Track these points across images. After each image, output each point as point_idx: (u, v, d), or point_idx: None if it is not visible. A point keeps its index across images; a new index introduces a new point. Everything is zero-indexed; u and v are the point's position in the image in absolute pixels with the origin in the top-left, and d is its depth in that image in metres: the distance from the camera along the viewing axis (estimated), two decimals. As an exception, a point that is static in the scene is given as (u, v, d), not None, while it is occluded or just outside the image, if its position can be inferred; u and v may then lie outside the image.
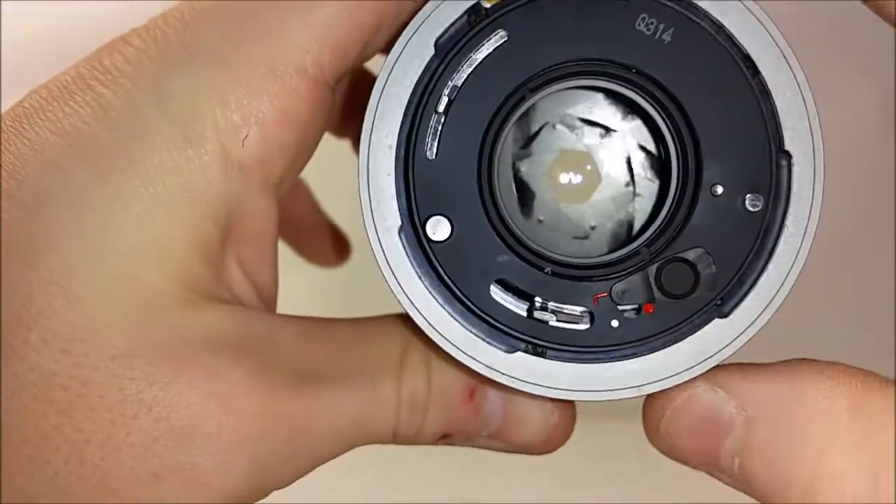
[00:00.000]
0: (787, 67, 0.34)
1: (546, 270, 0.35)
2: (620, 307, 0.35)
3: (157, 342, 0.34)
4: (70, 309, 0.33)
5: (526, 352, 0.35)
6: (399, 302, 0.35)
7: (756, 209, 0.34)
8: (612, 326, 0.35)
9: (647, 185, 0.37)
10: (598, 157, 0.37)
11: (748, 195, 0.34)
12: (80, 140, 0.34)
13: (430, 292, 0.35)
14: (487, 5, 0.35)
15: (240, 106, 0.35)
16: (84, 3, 0.64)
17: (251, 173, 0.35)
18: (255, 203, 0.36)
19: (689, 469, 0.35)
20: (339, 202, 0.52)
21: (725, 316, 0.34)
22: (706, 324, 0.35)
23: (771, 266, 0.34)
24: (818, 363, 0.33)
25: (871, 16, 0.35)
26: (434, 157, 0.35)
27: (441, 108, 0.35)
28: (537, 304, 0.35)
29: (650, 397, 0.35)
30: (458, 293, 0.35)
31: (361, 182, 0.35)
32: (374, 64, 0.38)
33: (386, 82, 0.35)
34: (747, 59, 0.34)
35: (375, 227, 0.35)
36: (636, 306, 0.35)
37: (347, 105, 0.45)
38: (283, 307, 0.39)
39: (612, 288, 0.35)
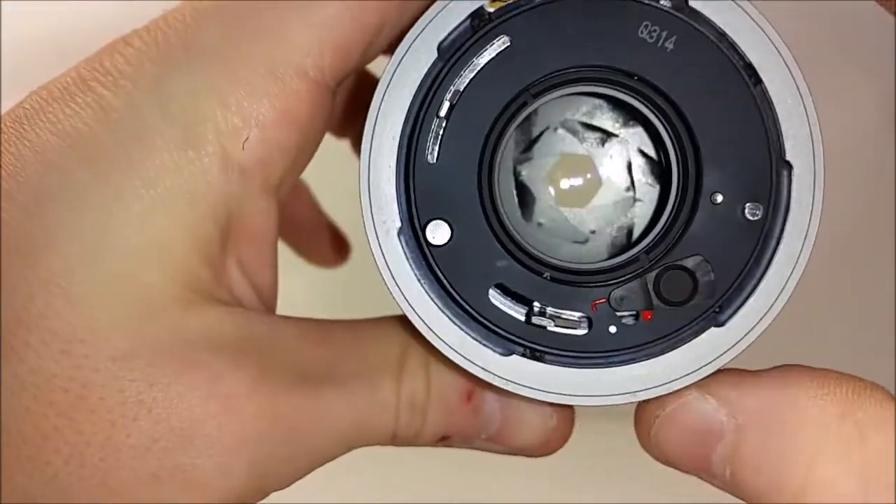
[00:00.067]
0: (789, 76, 0.34)
1: (545, 275, 0.35)
2: (619, 313, 0.35)
3: (157, 343, 0.34)
4: (70, 309, 0.33)
5: (524, 356, 0.35)
6: (398, 305, 0.35)
7: (756, 218, 0.34)
8: (610, 332, 0.35)
9: (648, 190, 0.37)
10: (599, 162, 0.37)
11: (748, 204, 0.34)
12: (81, 141, 0.34)
13: (429, 295, 0.35)
14: (491, 10, 0.35)
15: (240, 108, 0.35)
16: (84, 3, 0.64)
17: (251, 175, 0.35)
18: (256, 204, 0.36)
19: (688, 470, 0.35)
20: (339, 202, 0.52)
21: (723, 324, 0.35)
22: (704, 331, 0.35)
23: (770, 273, 0.34)
24: (809, 370, 0.34)
25: (871, 16, 0.35)
26: (435, 161, 0.35)
27: (443, 113, 0.35)
28: (536, 309, 0.35)
29: (642, 403, 0.35)
30: (457, 297, 0.35)
31: (362, 185, 0.35)
32: (376, 66, 0.38)
33: (388, 85, 0.35)
34: (749, 67, 0.34)
35: (375, 230, 0.35)
36: (634, 313, 0.35)
37: (349, 106, 0.45)
38: (282, 307, 0.39)
39: (610, 294, 0.35)
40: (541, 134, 0.37)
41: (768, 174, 0.34)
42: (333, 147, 0.46)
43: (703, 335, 0.34)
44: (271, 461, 0.35)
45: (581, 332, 0.35)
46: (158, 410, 0.33)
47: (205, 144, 0.35)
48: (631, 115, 0.37)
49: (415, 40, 0.35)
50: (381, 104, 0.35)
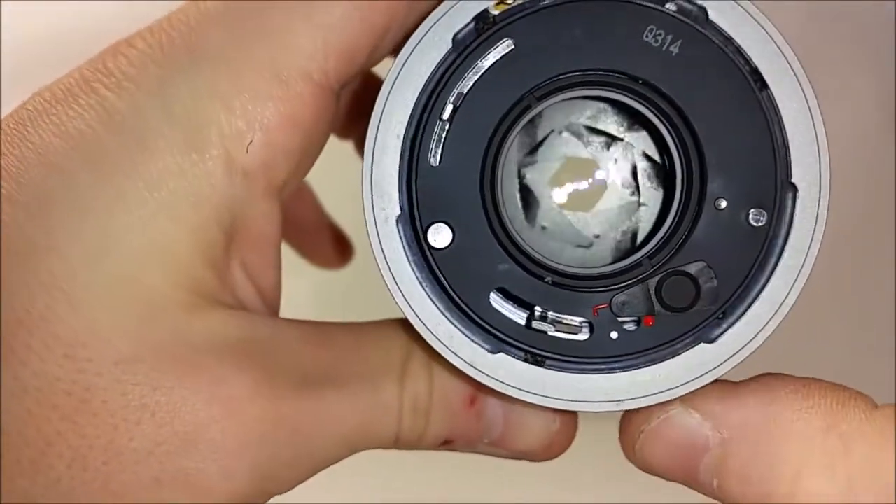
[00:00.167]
0: (795, 81, 0.34)
1: (546, 280, 0.35)
2: (620, 319, 0.35)
3: (160, 346, 0.34)
4: (72, 312, 0.33)
5: (524, 361, 0.35)
6: (399, 307, 0.35)
7: (759, 224, 0.34)
8: (611, 338, 0.35)
9: (653, 194, 0.37)
10: (604, 166, 0.37)
11: (752, 210, 0.34)
12: (84, 143, 0.34)
13: (430, 298, 0.35)
14: (495, 12, 0.34)
15: (244, 111, 0.35)
16: (84, 3, 0.64)
17: (255, 178, 0.35)
18: (259, 207, 0.36)
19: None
20: (342, 204, 0.52)
21: (723, 333, 0.34)
22: (706, 338, 0.34)
23: (774, 279, 0.34)
24: (793, 380, 0.34)
25: (871, 16, 0.35)
26: (438, 163, 0.35)
27: (446, 116, 0.34)
28: (537, 314, 0.35)
29: (627, 415, 0.35)
30: (458, 300, 0.35)
31: (365, 188, 0.35)
32: (380, 68, 0.38)
33: (392, 87, 0.35)
34: (755, 72, 0.34)
35: (378, 232, 0.35)
36: (636, 318, 0.35)
37: (353, 108, 0.45)
38: (285, 309, 0.39)
39: (612, 299, 0.35)
40: (545, 137, 0.37)
41: (773, 179, 0.34)
42: (336, 148, 0.46)
43: (700, 345, 0.34)
44: (274, 464, 0.35)
45: (582, 337, 0.35)
46: (162, 414, 0.33)
47: (209, 147, 0.35)
48: (635, 119, 0.37)
49: (420, 40, 0.35)
50: (384, 106, 0.35)
